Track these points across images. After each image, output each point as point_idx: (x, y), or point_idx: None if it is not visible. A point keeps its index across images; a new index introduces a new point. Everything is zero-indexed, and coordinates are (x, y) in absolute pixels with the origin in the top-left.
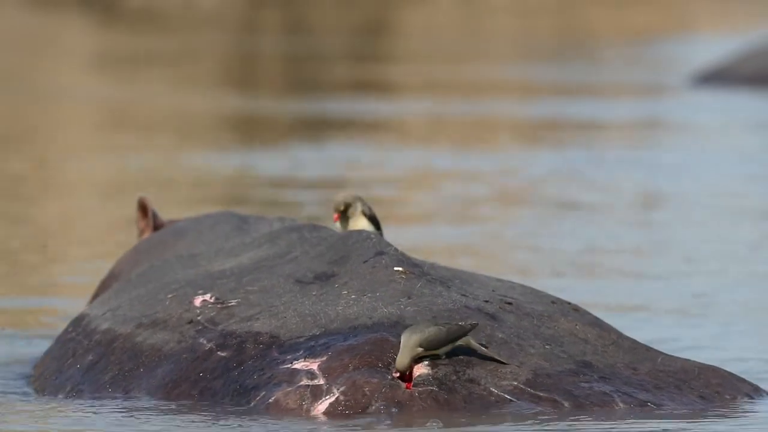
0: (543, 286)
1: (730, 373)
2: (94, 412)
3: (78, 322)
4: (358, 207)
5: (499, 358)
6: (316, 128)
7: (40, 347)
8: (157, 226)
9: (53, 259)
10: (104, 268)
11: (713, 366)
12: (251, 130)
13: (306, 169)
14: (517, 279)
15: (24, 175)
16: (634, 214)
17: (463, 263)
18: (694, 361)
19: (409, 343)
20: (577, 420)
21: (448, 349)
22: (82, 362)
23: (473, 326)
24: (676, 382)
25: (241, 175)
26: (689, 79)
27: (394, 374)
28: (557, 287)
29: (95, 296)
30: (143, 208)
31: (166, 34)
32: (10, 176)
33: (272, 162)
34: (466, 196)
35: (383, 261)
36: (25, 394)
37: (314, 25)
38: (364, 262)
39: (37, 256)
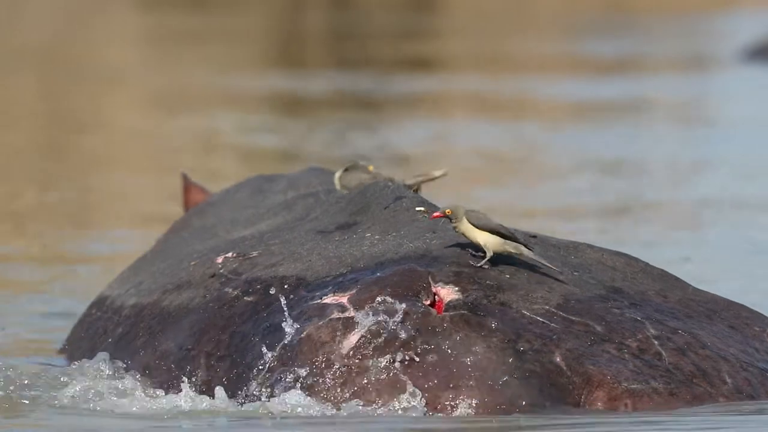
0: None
1: (759, 312)
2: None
3: (101, 303)
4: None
5: (554, 269)
6: (363, 105)
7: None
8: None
9: (94, 230)
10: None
11: (742, 304)
12: (297, 107)
13: (352, 145)
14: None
15: (72, 149)
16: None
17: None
18: (722, 296)
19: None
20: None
21: (497, 249)
22: (114, 335)
23: (525, 243)
24: (707, 311)
25: (287, 152)
26: (739, 54)
27: (424, 302)
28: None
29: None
30: (184, 183)
31: (212, 12)
32: (59, 150)
33: (318, 138)
34: (510, 169)
35: (404, 204)
36: (63, 372)
37: (360, 2)
38: (385, 208)
39: (79, 226)
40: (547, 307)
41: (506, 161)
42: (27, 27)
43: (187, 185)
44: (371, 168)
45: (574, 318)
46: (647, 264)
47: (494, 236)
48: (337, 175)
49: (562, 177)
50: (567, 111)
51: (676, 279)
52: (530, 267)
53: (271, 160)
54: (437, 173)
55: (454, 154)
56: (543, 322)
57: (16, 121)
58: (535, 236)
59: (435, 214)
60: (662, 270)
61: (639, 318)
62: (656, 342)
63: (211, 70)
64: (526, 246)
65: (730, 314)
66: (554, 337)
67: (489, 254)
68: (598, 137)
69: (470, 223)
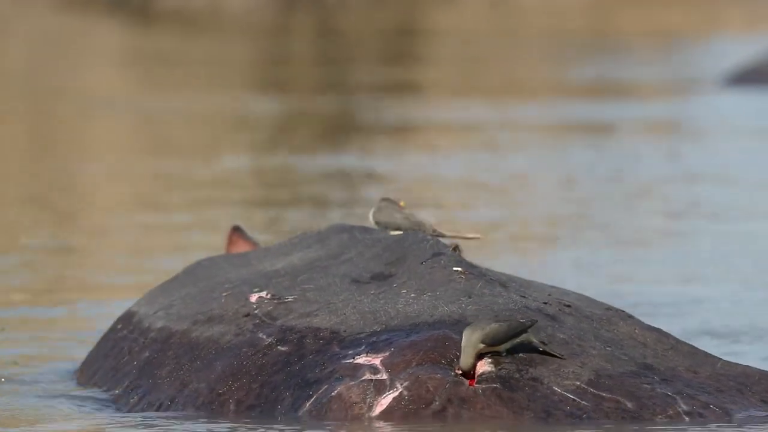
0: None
1: None
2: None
3: (128, 320)
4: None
5: (558, 355)
6: (346, 130)
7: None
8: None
9: (86, 268)
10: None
11: None
12: (281, 132)
13: (336, 170)
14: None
15: (57, 179)
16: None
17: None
18: (754, 368)
19: (471, 341)
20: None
21: (510, 346)
22: (139, 359)
23: (533, 323)
24: (738, 385)
25: (271, 176)
26: (721, 79)
27: (456, 370)
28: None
29: None
30: (231, 235)
31: (197, 36)
32: (44, 181)
33: (300, 163)
34: (497, 195)
35: (441, 261)
36: (82, 393)
37: (344, 28)
38: (422, 262)
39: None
40: (578, 383)
41: (493, 185)
42: (10, 52)
43: (235, 239)
44: (402, 204)
45: (604, 394)
46: (678, 340)
47: (507, 341)
48: (371, 211)
49: (550, 196)
50: (551, 134)
51: (706, 354)
52: (564, 341)
53: (251, 188)
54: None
55: (441, 181)
56: (573, 400)
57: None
58: (569, 305)
59: (469, 381)
60: (691, 346)
61: (670, 393)
62: (687, 418)
63: (194, 93)
64: (530, 326)
65: (762, 387)
66: (584, 416)
67: (504, 353)
68: (580, 158)
69: (488, 343)
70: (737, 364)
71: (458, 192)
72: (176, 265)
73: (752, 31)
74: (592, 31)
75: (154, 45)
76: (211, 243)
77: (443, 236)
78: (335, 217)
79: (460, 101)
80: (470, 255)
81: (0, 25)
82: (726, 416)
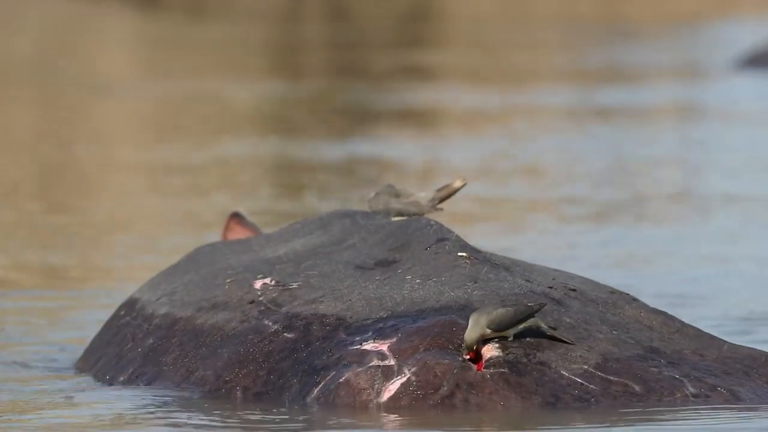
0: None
1: None
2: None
3: (131, 306)
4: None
5: (567, 340)
6: (357, 115)
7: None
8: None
9: (98, 251)
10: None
11: None
12: (291, 117)
13: (346, 155)
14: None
15: (67, 164)
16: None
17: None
18: (760, 350)
19: (478, 323)
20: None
21: (517, 331)
22: (143, 346)
23: (541, 306)
24: (744, 368)
25: (280, 161)
26: (734, 63)
27: (464, 356)
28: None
29: None
30: (229, 221)
31: (208, 21)
32: (53, 165)
33: (311, 148)
34: (507, 183)
35: (446, 247)
36: (86, 380)
37: (355, 13)
38: (426, 248)
39: (87, 247)
40: (586, 367)
41: (506, 170)
42: (21, 39)
43: (233, 225)
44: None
45: (612, 378)
46: (683, 323)
47: (514, 326)
48: (369, 197)
49: (563, 180)
50: (564, 118)
51: (711, 338)
52: (570, 325)
53: (259, 173)
54: (457, 184)
55: (452, 166)
56: (581, 384)
57: (10, 138)
58: (574, 289)
59: (476, 366)
60: (697, 329)
61: (677, 376)
62: (695, 401)
63: (207, 79)
64: (538, 310)
65: None
66: (592, 400)
67: (511, 338)
68: (593, 142)
69: (494, 328)
70: (743, 346)
71: (469, 177)
72: (182, 250)
73: (764, 15)
74: (602, 16)
75: (165, 30)
76: (216, 229)
77: (439, 210)
78: (343, 203)
79: (472, 86)
80: (479, 238)
81: (11, 12)
82: (734, 398)
